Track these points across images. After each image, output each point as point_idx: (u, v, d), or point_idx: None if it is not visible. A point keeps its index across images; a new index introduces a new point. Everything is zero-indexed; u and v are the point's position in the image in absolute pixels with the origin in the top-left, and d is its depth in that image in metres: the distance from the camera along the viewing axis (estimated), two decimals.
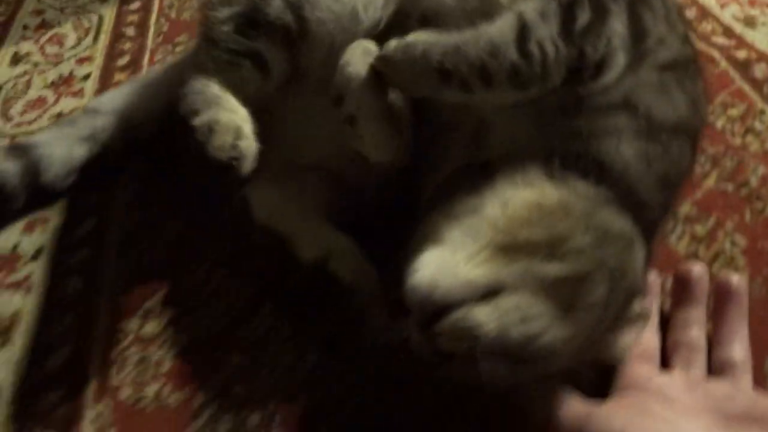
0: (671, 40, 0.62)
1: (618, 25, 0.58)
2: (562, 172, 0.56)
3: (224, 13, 0.71)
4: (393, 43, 0.62)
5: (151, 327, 0.68)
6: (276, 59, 0.70)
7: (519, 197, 0.55)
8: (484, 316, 0.48)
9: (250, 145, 0.63)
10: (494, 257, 0.51)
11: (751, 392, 0.55)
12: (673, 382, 0.56)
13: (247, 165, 0.62)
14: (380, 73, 0.63)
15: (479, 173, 0.60)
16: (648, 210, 0.58)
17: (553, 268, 0.50)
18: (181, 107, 0.67)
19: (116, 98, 0.86)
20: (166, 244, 0.76)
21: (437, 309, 0.49)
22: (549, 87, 0.57)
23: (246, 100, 0.69)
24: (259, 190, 0.74)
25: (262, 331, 0.67)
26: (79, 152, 0.81)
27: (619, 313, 0.53)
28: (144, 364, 0.65)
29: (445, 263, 0.51)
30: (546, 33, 0.56)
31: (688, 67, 0.64)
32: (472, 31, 0.59)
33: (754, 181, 0.79)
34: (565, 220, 0.52)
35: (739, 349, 0.59)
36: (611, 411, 0.51)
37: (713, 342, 0.60)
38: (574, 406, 0.53)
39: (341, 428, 0.60)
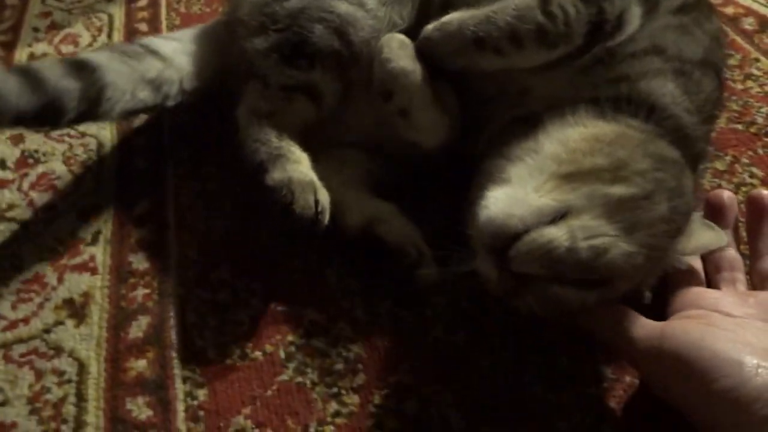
0: None
1: None
2: (613, 114, 0.62)
3: (261, 44, 0.73)
4: (430, 26, 0.68)
5: (223, 294, 0.71)
6: (330, 86, 0.73)
7: (576, 133, 0.60)
8: (556, 233, 0.53)
9: (326, 195, 0.68)
10: (560, 186, 0.56)
11: None
12: (725, 298, 0.60)
13: (328, 214, 0.66)
14: (423, 55, 0.68)
15: (527, 123, 0.65)
16: (693, 142, 0.64)
17: (618, 190, 0.55)
18: (245, 155, 0.70)
19: (180, 54, 0.83)
20: (224, 213, 0.79)
21: (512, 235, 0.54)
22: (574, 44, 0.64)
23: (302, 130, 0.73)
24: None
25: (332, 288, 0.71)
26: (142, 95, 0.78)
27: (679, 228, 0.58)
28: (224, 326, 0.68)
29: (516, 196, 0.56)
30: None
31: (701, 7, 0.71)
32: (498, 3, 0.65)
33: (760, 120, 0.86)
34: (625, 148, 0.58)
35: None
36: (685, 324, 0.55)
37: (752, 256, 0.65)
38: (646, 324, 0.57)
39: (422, 364, 0.64)
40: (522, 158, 0.61)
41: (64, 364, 0.65)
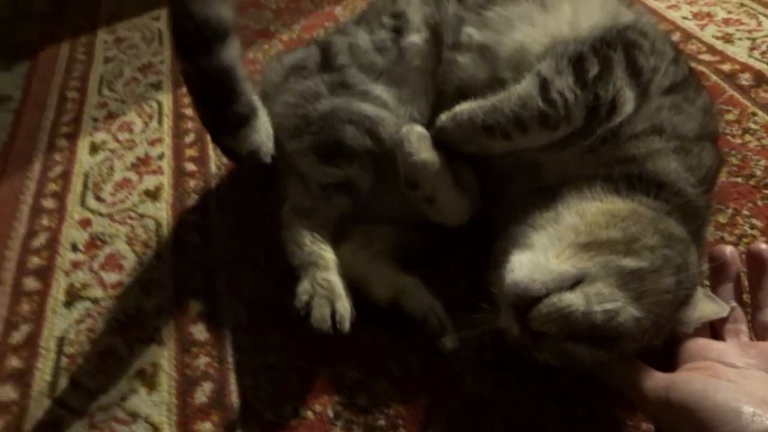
0: (664, 66, 0.76)
1: (619, 70, 0.72)
2: (627, 191, 0.69)
3: (296, 145, 0.83)
4: (443, 116, 0.77)
5: (273, 357, 0.79)
6: (365, 181, 0.82)
7: (593, 207, 0.68)
8: (573, 299, 0.60)
9: (345, 306, 0.74)
10: (577, 254, 0.63)
11: None
12: (729, 349, 0.66)
13: (347, 323, 0.73)
14: (439, 143, 0.77)
15: (545, 194, 0.73)
16: (698, 211, 0.71)
17: (630, 262, 0.62)
18: (286, 253, 0.80)
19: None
20: (269, 281, 0.88)
21: (534, 298, 0.61)
22: (574, 125, 0.72)
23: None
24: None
25: (367, 346, 0.79)
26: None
27: (684, 299, 0.65)
28: (276, 388, 0.76)
29: (539, 261, 0.63)
30: (563, 84, 0.71)
31: (689, 84, 0.79)
32: (503, 93, 0.74)
33: (758, 172, 0.93)
34: (637, 224, 0.65)
35: None
36: (689, 376, 0.62)
37: (753, 307, 0.71)
38: (655, 376, 0.63)
39: (454, 416, 0.71)
40: (544, 226, 0.69)
41: (141, 428, 0.74)
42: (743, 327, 0.70)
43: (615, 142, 0.72)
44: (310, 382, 0.76)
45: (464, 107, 0.76)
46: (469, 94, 0.78)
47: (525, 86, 0.73)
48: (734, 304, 0.72)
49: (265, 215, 0.95)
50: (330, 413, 0.73)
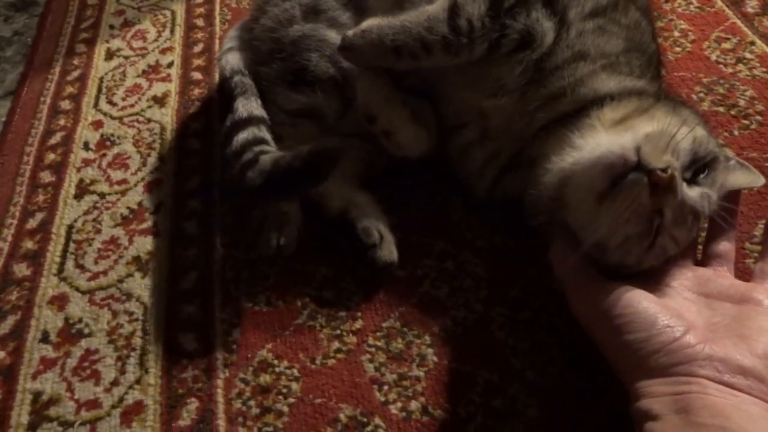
0: None
1: (536, 1, 0.72)
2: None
3: (268, 71, 0.86)
4: (350, 32, 0.77)
5: (254, 255, 0.87)
6: (330, 107, 0.85)
7: None
8: None
9: (293, 231, 0.82)
10: None
11: None
12: (675, 271, 0.68)
13: (291, 247, 0.82)
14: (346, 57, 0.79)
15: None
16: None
17: None
18: None
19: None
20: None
21: None
22: (475, 55, 0.73)
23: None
24: None
25: (340, 248, 0.85)
26: None
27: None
28: (254, 280, 0.84)
29: None
30: (475, 10, 0.72)
31: (615, 6, 0.77)
32: (414, 12, 0.75)
33: (742, 102, 0.93)
34: None
35: None
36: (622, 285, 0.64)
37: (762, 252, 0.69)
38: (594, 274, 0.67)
39: (409, 313, 0.78)
40: None
41: (133, 306, 0.84)
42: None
43: (540, 79, 0.72)
44: (284, 277, 0.84)
45: (372, 23, 0.76)
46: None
47: (435, 8, 0.73)
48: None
49: None
50: (298, 303, 0.81)
